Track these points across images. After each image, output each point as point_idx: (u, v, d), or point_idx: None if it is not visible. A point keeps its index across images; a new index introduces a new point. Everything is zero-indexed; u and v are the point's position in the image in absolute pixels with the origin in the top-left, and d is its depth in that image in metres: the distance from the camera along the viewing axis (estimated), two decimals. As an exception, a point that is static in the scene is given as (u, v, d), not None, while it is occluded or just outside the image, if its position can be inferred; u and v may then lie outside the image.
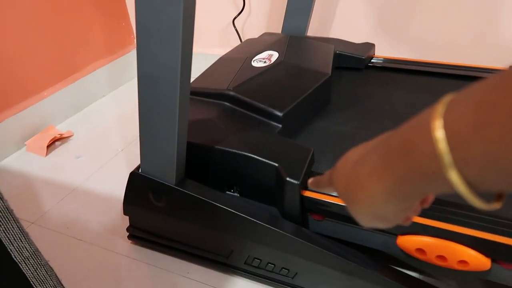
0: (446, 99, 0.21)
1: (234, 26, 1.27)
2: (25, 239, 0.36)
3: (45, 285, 0.38)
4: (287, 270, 0.65)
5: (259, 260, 0.66)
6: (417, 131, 0.22)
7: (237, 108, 0.76)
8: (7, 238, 0.34)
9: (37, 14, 1.10)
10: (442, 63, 0.95)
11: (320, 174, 0.64)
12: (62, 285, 0.42)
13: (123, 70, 1.42)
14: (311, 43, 0.98)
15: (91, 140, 1.13)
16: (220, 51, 1.34)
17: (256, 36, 1.09)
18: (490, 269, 0.55)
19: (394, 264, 0.70)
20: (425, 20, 1.06)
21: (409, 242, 0.57)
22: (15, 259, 0.35)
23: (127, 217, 0.76)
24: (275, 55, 0.89)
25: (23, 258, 0.36)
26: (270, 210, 0.67)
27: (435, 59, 1.02)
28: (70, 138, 1.14)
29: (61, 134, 1.13)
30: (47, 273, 0.38)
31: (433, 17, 1.05)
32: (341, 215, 0.61)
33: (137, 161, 0.68)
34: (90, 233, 0.82)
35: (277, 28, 1.20)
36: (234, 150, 0.65)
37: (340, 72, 0.97)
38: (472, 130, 0.18)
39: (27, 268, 0.36)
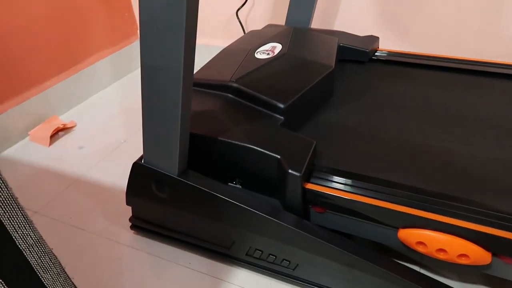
0: None
1: (238, 18, 1.26)
2: (29, 226, 0.36)
3: (48, 272, 0.39)
4: (288, 262, 0.65)
5: (260, 252, 0.66)
6: None
7: (240, 99, 0.76)
8: (11, 226, 0.34)
9: (40, 4, 1.10)
10: (446, 57, 0.95)
11: (322, 167, 0.65)
12: (65, 272, 0.42)
13: (126, 61, 1.42)
14: (315, 36, 0.97)
15: (94, 130, 1.13)
16: (224, 43, 1.34)
17: (259, 28, 1.09)
18: (490, 263, 0.55)
19: (394, 257, 0.70)
20: (430, 13, 1.06)
21: (410, 235, 0.57)
22: (19, 246, 0.36)
23: (129, 207, 0.76)
24: (278, 47, 0.89)
25: (27, 245, 0.36)
26: (272, 202, 0.67)
27: (439, 53, 1.01)
28: (73, 129, 1.14)
29: (64, 125, 1.13)
30: (50, 260, 0.39)
31: (438, 10, 1.04)
32: (343, 208, 0.61)
33: (139, 152, 0.69)
34: (92, 223, 0.83)
35: (281, 20, 1.20)
36: (236, 142, 0.65)
37: (344, 65, 0.96)
38: None
39: (31, 255, 0.37)
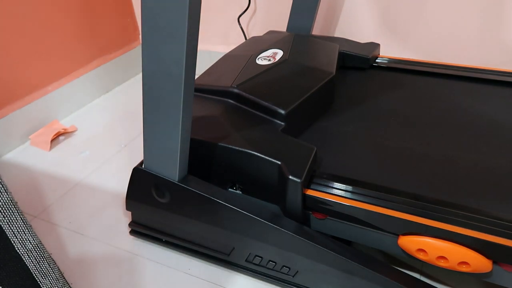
0: None
1: (239, 24, 1.27)
2: (28, 231, 0.36)
3: (47, 277, 0.38)
4: (288, 268, 0.65)
5: (260, 258, 0.66)
6: None
7: (241, 105, 0.76)
8: (10, 230, 0.34)
9: (42, 8, 1.11)
10: (447, 64, 0.95)
11: (322, 173, 0.65)
12: (64, 278, 0.42)
13: (128, 66, 1.43)
14: (316, 42, 0.98)
15: (95, 135, 1.13)
16: (225, 49, 1.34)
17: (261, 34, 1.09)
18: (491, 271, 0.55)
19: (395, 264, 0.70)
20: (431, 21, 1.06)
21: (410, 242, 0.57)
22: (18, 251, 0.35)
23: (129, 213, 0.76)
24: (279, 53, 0.89)
25: (26, 250, 0.36)
26: (272, 208, 0.67)
27: (440, 60, 1.01)
28: (74, 133, 1.14)
29: (65, 129, 1.13)
30: (49, 265, 0.39)
31: (439, 18, 1.05)
32: (343, 214, 0.61)
33: (140, 157, 0.69)
34: (92, 228, 0.82)
35: (282, 26, 1.20)
36: (237, 148, 0.65)
37: (345, 72, 0.97)
38: None
39: (30, 261, 0.36)
